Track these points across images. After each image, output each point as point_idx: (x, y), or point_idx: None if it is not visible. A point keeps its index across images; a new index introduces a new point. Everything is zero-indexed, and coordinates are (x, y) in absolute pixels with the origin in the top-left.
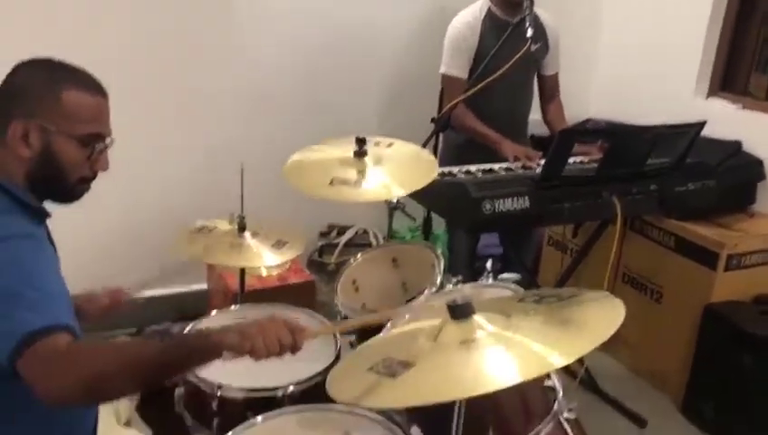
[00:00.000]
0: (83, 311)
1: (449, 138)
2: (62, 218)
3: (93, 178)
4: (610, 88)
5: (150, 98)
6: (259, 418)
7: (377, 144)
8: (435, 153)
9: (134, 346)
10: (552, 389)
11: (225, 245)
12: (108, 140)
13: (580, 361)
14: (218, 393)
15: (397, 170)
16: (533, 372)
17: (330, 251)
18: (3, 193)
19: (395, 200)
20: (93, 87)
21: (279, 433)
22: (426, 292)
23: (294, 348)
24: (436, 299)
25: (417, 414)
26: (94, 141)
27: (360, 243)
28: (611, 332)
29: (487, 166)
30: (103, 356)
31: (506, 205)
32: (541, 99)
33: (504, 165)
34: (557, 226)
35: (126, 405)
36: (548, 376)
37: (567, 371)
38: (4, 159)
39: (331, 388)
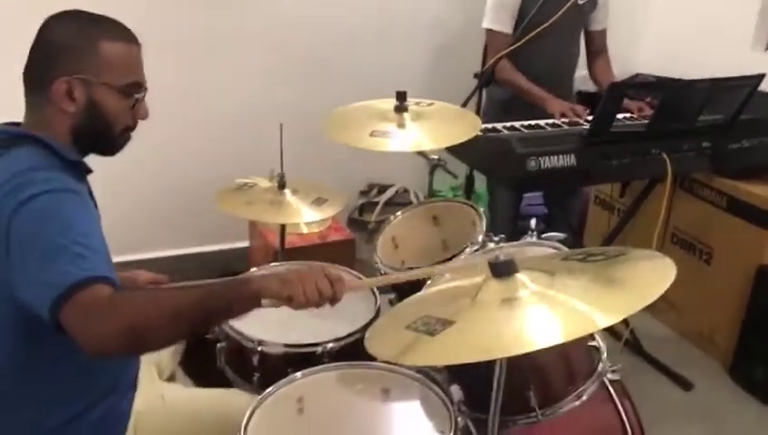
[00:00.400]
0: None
1: (493, 93)
2: (106, 177)
3: (134, 127)
4: (660, 42)
5: (192, 54)
6: (299, 374)
7: (417, 104)
8: (478, 110)
9: (176, 294)
10: (597, 349)
11: (265, 202)
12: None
13: (625, 322)
14: (259, 349)
15: (437, 125)
16: (577, 332)
17: (370, 210)
18: (45, 149)
19: (435, 157)
20: (127, 37)
21: (318, 389)
22: (467, 250)
23: (334, 299)
24: (478, 257)
25: (457, 373)
26: (134, 90)
27: (400, 202)
28: (660, 291)
29: (533, 122)
30: (145, 304)
31: (552, 162)
32: (588, 55)
33: (550, 121)
34: (604, 184)
35: (168, 360)
36: (592, 336)
37: (612, 333)
38: (48, 116)
39: (370, 345)
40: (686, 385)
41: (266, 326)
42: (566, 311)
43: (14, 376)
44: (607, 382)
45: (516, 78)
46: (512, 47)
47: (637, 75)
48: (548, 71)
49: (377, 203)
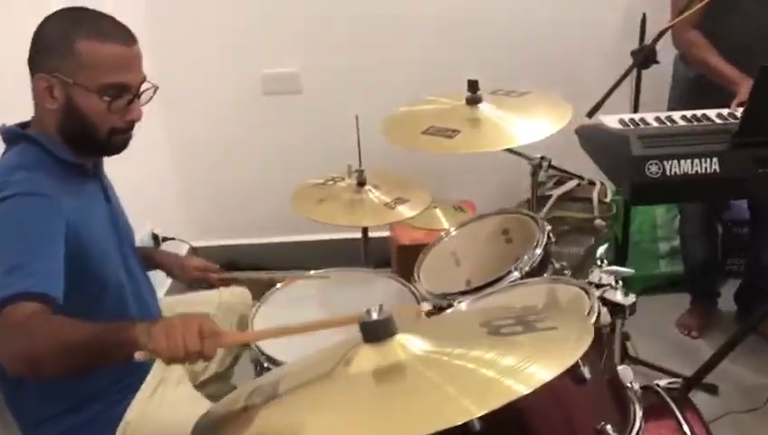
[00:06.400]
0: (168, 270)
1: (679, 72)
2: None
3: (128, 128)
4: None
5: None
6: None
7: (507, 94)
8: (637, 93)
9: (73, 329)
10: None
11: (343, 201)
12: (144, 87)
13: None
14: None
15: (515, 121)
16: None
17: (541, 204)
18: (36, 147)
19: (537, 157)
20: (111, 36)
21: None
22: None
23: (203, 355)
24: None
25: None
26: (114, 92)
27: (579, 197)
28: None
29: (698, 113)
30: (44, 334)
31: (683, 168)
32: None
33: (726, 111)
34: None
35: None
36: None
37: None
38: (40, 114)
39: None
40: None
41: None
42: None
43: None
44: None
45: (705, 54)
46: (682, 14)
47: None
48: (744, 47)
49: (549, 197)
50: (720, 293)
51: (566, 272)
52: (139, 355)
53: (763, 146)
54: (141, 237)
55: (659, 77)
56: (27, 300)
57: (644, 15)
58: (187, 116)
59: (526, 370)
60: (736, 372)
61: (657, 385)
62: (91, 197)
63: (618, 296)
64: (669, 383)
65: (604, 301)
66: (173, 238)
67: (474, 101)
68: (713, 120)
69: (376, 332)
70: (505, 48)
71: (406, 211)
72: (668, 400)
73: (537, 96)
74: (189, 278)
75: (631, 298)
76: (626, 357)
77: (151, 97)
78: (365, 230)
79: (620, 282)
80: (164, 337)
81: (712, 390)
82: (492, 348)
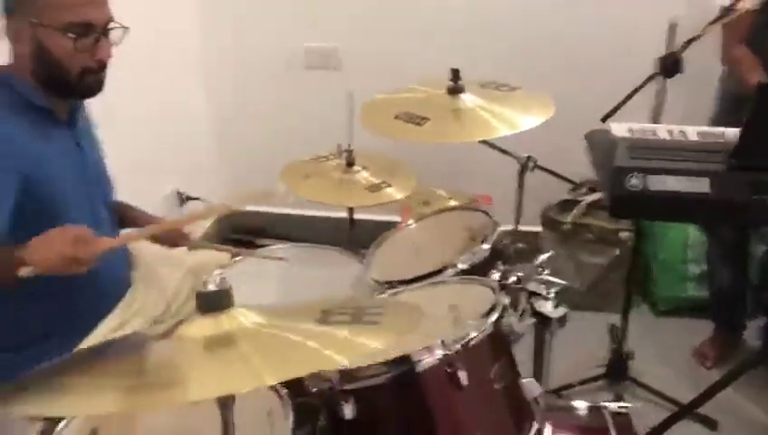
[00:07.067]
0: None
1: (725, 86)
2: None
3: (99, 68)
4: None
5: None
6: None
7: (498, 87)
8: (659, 103)
9: None
10: None
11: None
12: (111, 26)
13: None
14: None
15: (490, 114)
16: None
17: (570, 208)
18: (6, 89)
19: (524, 156)
20: None
21: None
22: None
23: (77, 260)
24: None
25: None
26: (79, 30)
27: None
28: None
29: (718, 130)
30: None
31: (669, 184)
32: None
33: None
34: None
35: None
36: None
37: None
38: (15, 58)
39: None
40: None
41: None
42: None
43: None
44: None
45: (747, 69)
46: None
47: None
48: None
49: (577, 202)
50: (746, 325)
51: (517, 276)
52: (23, 271)
53: (761, 171)
54: (167, 194)
55: (696, 90)
56: None
57: (673, 23)
58: (230, 82)
59: (324, 352)
60: (743, 407)
61: (605, 407)
62: (59, 142)
63: (546, 307)
64: (620, 407)
65: (533, 311)
66: (197, 198)
67: (455, 90)
68: (723, 138)
69: (212, 302)
70: (533, 46)
71: (393, 194)
72: (609, 423)
73: (526, 92)
74: (157, 241)
75: (560, 311)
76: (627, 377)
77: (122, 38)
78: (350, 211)
79: (552, 292)
80: (41, 246)
81: (710, 424)
82: (311, 331)
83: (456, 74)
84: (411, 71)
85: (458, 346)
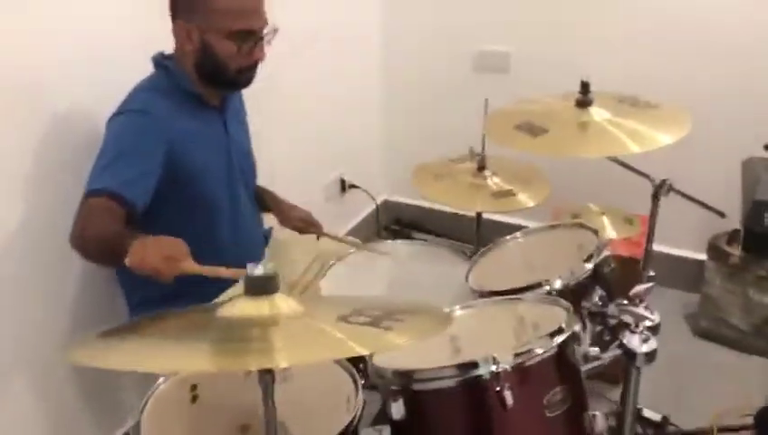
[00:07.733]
0: (274, 213)
1: None
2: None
3: (253, 66)
4: None
5: None
6: None
7: (633, 104)
8: None
9: (105, 228)
10: None
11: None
12: (266, 31)
13: None
14: None
15: (627, 131)
16: None
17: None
18: (166, 73)
19: (660, 179)
20: None
21: None
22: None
23: (159, 273)
24: None
25: None
26: (243, 37)
27: None
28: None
29: None
30: (91, 226)
31: None
32: None
33: None
34: None
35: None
36: None
37: None
38: (178, 50)
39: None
40: None
41: None
42: None
43: None
44: None
45: None
46: None
47: None
48: None
49: None
50: None
51: (608, 303)
52: (127, 261)
53: None
54: (331, 180)
55: None
56: (108, 197)
57: None
58: (402, 78)
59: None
60: None
61: None
62: (206, 124)
63: (633, 341)
64: None
65: (620, 343)
66: (358, 187)
67: (583, 103)
68: None
69: (257, 286)
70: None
71: (524, 201)
72: None
73: (664, 110)
74: (291, 227)
75: (649, 346)
76: None
77: (272, 38)
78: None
79: (641, 326)
80: (140, 248)
81: None
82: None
83: (585, 87)
84: (576, 79)
85: (508, 365)
